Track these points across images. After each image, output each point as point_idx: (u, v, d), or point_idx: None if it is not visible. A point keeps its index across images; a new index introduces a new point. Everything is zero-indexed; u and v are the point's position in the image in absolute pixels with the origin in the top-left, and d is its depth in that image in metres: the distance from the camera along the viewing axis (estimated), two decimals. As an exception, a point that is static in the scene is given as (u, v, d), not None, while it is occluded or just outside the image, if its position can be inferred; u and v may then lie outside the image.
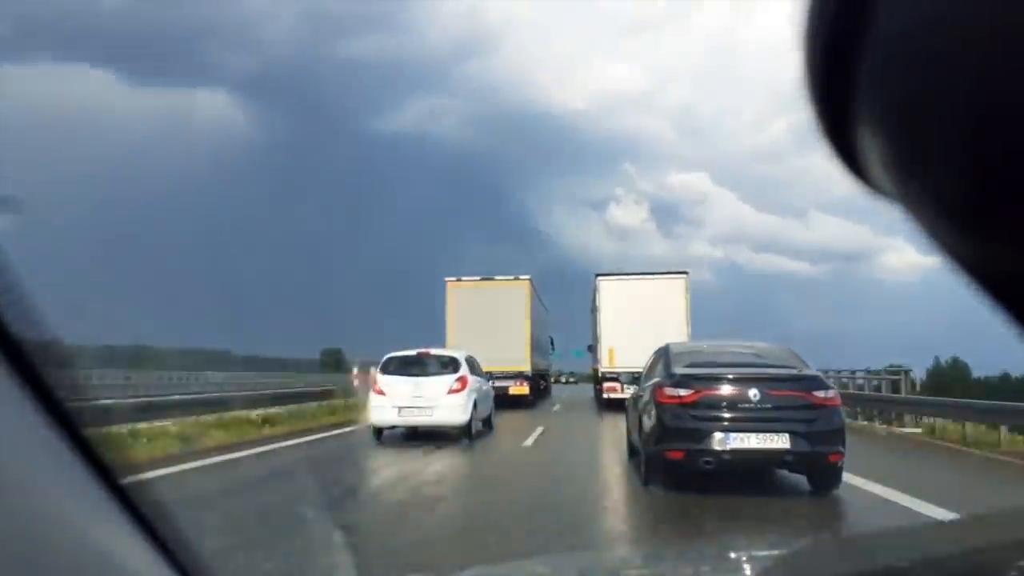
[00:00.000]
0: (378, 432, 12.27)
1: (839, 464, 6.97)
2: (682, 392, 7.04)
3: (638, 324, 19.15)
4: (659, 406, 7.17)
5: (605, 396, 20.33)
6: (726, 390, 7.00)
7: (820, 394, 6.96)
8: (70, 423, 0.68)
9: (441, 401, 11.97)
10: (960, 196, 0.33)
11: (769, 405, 6.86)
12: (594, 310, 22.07)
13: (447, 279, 22.28)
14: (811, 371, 7.28)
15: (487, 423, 14.05)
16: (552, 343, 30.60)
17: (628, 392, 20.41)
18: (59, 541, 0.64)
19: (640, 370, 15.88)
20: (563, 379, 56.48)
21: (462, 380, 12.36)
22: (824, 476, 7.09)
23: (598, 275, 21.55)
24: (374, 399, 12.23)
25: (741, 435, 6.78)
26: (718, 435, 6.81)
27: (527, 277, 22.61)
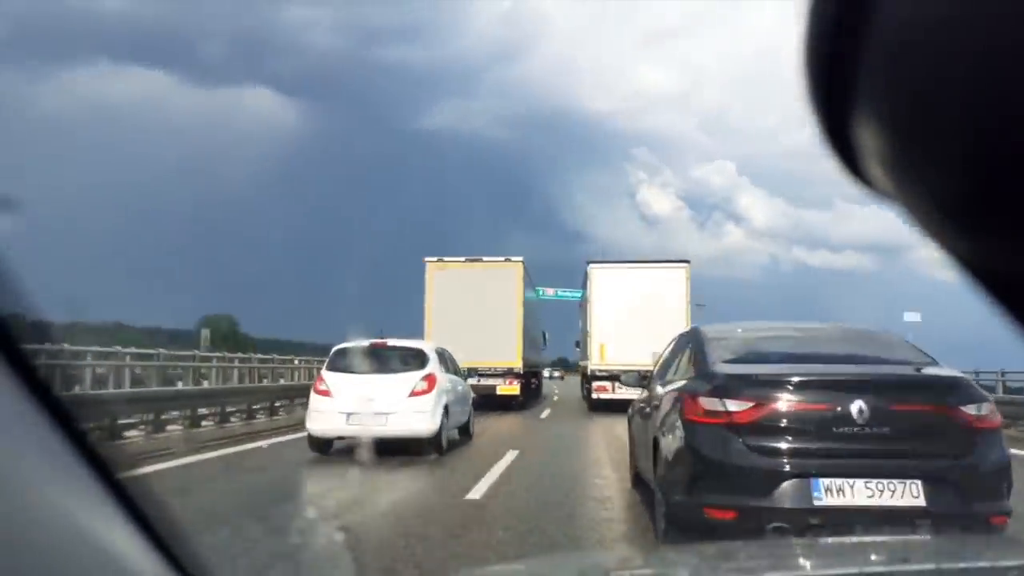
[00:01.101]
0: (318, 444, 9.39)
1: (1001, 530, 4.06)
2: (731, 405, 4.10)
3: (633, 318, 17.19)
4: (691, 428, 4.24)
5: (594, 396, 18.14)
6: (808, 402, 4.07)
7: (971, 411, 4.02)
8: (68, 418, 0.67)
9: (401, 406, 9.23)
10: (960, 196, 0.33)
11: (886, 430, 3.92)
12: (584, 301, 20.02)
13: (427, 259, 18.83)
14: (949, 371, 4.34)
15: (464, 430, 11.37)
16: (544, 337, 27.26)
17: (621, 392, 16.89)
18: (56, 537, 0.63)
19: (636, 368, 12.91)
20: (546, 373, 53.10)
21: (429, 379, 9.60)
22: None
23: (590, 262, 19.21)
24: (315, 402, 9.43)
25: (839, 482, 3.86)
26: (798, 482, 3.89)
27: (519, 259, 19.23)
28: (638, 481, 6.70)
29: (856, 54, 0.34)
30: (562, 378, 58.09)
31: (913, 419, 3.99)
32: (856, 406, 3.94)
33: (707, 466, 4.11)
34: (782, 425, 4.03)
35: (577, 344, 25.53)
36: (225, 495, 6.94)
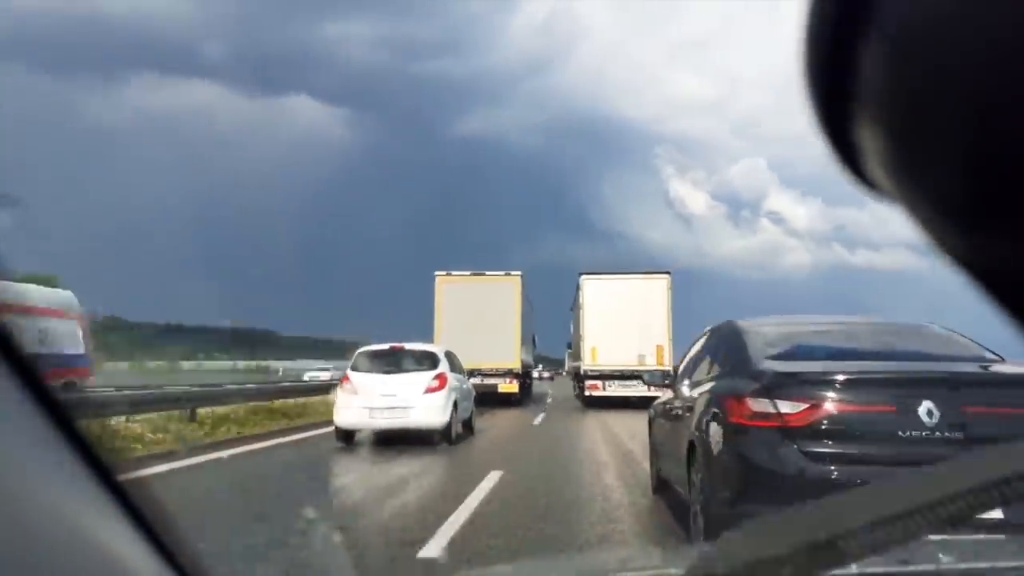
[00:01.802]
0: (345, 435, 10.87)
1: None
2: (783, 407, 3.70)
3: (621, 323, 19.45)
4: (738, 432, 3.83)
5: (587, 394, 20.28)
6: (869, 403, 3.67)
7: (1052, 412, 3.62)
8: (67, 419, 0.67)
9: (418, 401, 10.73)
10: (960, 195, 0.33)
11: (959, 433, 3.52)
12: (577, 308, 22.16)
13: (437, 273, 21.43)
14: (1022, 366, 3.93)
15: (467, 425, 12.53)
16: (534, 340, 30.31)
17: (611, 390, 19.75)
18: (54, 540, 0.62)
19: (624, 368, 13.53)
20: (535, 373, 49.97)
21: (441, 378, 11.04)
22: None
23: (582, 274, 21.40)
24: (342, 398, 10.97)
25: (908, 493, 3.46)
26: (862, 493, 3.49)
27: (518, 273, 21.93)
28: (661, 486, 6.30)
29: (856, 54, 0.34)
30: (552, 378, 55.07)
31: (990, 422, 3.58)
32: (924, 407, 3.54)
33: (756, 474, 3.70)
34: (841, 429, 3.62)
35: (569, 346, 28.50)
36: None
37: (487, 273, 21.92)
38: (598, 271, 21.51)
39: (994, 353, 4.16)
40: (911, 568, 1.27)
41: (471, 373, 15.44)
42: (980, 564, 1.36)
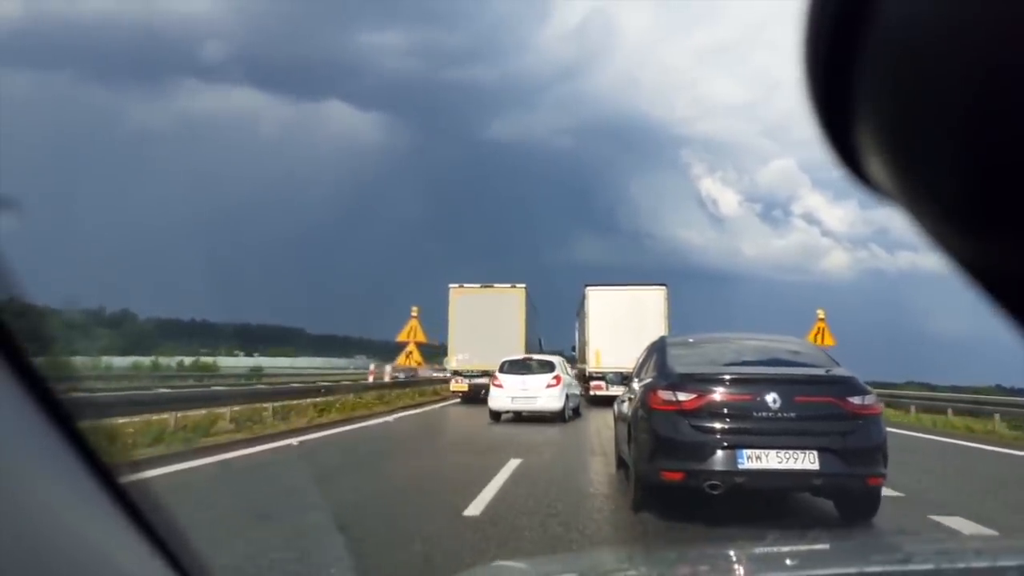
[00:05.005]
0: (496, 415, 16.11)
1: (878, 489, 5.51)
2: (681, 396, 5.55)
3: (622, 329, 21.76)
4: (652, 414, 5.68)
5: (591, 393, 22.50)
6: (737, 394, 5.51)
7: (856, 400, 5.47)
8: (69, 422, 0.67)
9: (541, 393, 15.85)
10: (960, 196, 0.33)
11: (792, 414, 5.37)
12: (582, 316, 24.32)
13: (451, 285, 24.20)
14: (844, 372, 5.79)
15: (576, 412, 17.56)
16: (540, 343, 32.59)
17: (612, 390, 22.31)
18: (56, 539, 0.63)
19: (624, 370, 15.85)
20: None
21: (557, 378, 16.15)
22: (858, 503, 5.63)
23: (586, 285, 23.64)
24: (494, 391, 16.33)
25: (757, 452, 5.30)
26: (727, 452, 5.34)
27: (523, 285, 24.57)
28: (620, 464, 8.13)
29: (856, 54, 0.34)
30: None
31: (812, 407, 5.43)
32: (771, 397, 5.39)
33: (663, 441, 5.55)
34: (717, 411, 5.47)
35: (573, 349, 30.62)
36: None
37: (495, 285, 24.50)
38: (602, 282, 23.71)
39: (835, 361, 6.01)
40: (911, 568, 1.25)
41: (482, 374, 20.79)
42: (980, 564, 1.33)
